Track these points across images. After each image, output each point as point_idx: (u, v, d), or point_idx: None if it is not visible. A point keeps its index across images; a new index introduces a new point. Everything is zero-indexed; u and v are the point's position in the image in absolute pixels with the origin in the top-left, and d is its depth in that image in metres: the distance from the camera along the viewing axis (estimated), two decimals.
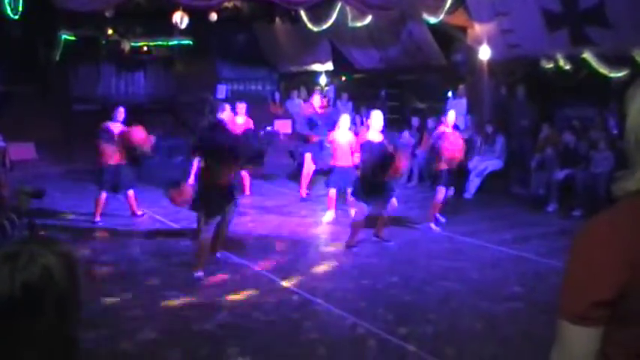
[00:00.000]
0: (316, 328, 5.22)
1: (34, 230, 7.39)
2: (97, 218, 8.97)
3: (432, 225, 8.70)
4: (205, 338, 5.00)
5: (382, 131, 7.93)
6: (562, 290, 1.48)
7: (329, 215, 9.17)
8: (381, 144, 7.72)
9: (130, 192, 9.17)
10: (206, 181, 6.53)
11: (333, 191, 9.16)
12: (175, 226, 8.81)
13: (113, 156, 8.84)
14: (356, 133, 8.99)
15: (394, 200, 7.82)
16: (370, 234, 8.02)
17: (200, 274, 6.43)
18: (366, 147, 7.73)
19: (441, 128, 8.86)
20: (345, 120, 9.21)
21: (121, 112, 8.98)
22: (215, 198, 6.44)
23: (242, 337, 5.00)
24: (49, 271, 1.35)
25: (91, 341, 4.64)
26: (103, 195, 8.94)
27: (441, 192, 8.66)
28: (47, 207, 9.82)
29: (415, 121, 13.30)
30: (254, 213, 9.53)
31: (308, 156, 10.31)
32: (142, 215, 9.33)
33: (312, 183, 10.61)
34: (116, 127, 8.91)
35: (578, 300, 1.44)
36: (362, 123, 13.95)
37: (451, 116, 8.98)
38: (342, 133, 9.11)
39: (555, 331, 1.50)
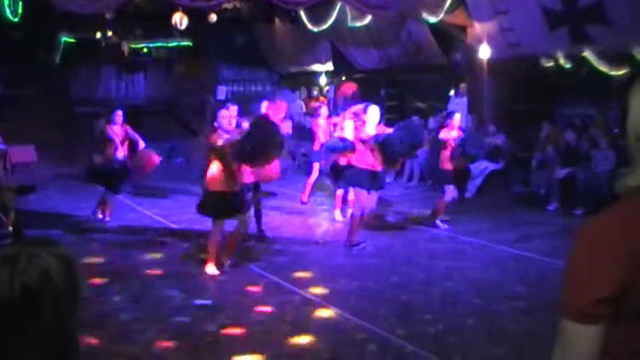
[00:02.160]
0: (317, 328, 5.21)
1: (18, 226, 7.45)
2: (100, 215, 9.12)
3: (439, 222, 8.76)
4: (207, 340, 4.99)
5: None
6: (563, 288, 1.47)
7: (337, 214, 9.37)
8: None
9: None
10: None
11: (340, 191, 9.22)
12: (175, 226, 8.80)
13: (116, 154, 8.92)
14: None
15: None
16: (370, 234, 8.03)
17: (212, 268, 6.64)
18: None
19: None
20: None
21: (119, 116, 9.02)
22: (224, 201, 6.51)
23: (242, 338, 4.99)
24: (49, 274, 1.34)
25: (91, 343, 4.63)
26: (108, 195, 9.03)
27: (450, 192, 8.67)
28: (47, 209, 9.85)
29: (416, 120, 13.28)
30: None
31: (316, 165, 10.21)
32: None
33: (314, 190, 10.56)
34: (117, 130, 8.96)
35: (580, 297, 1.42)
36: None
37: (457, 119, 8.89)
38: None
39: (557, 330, 1.49)
